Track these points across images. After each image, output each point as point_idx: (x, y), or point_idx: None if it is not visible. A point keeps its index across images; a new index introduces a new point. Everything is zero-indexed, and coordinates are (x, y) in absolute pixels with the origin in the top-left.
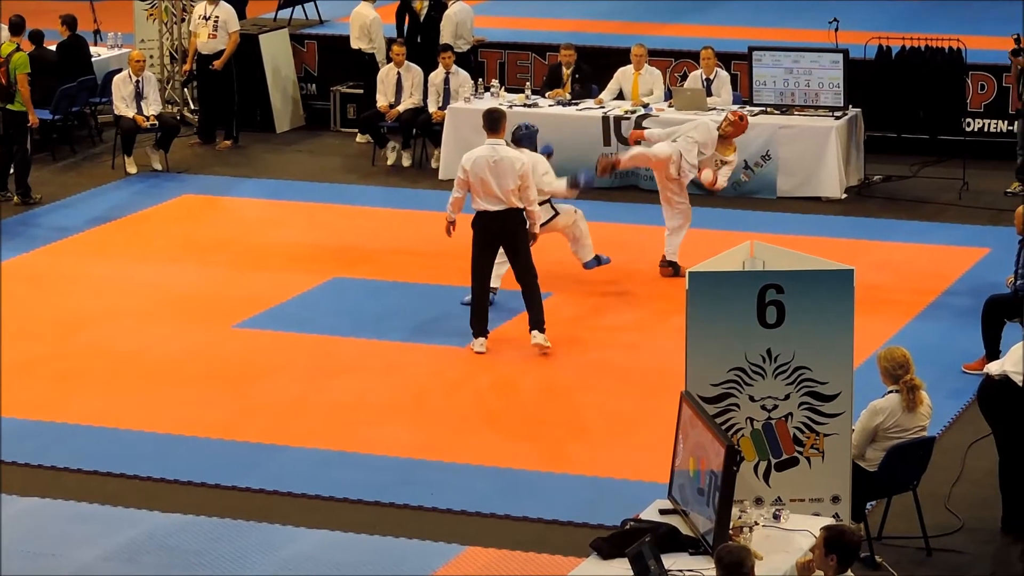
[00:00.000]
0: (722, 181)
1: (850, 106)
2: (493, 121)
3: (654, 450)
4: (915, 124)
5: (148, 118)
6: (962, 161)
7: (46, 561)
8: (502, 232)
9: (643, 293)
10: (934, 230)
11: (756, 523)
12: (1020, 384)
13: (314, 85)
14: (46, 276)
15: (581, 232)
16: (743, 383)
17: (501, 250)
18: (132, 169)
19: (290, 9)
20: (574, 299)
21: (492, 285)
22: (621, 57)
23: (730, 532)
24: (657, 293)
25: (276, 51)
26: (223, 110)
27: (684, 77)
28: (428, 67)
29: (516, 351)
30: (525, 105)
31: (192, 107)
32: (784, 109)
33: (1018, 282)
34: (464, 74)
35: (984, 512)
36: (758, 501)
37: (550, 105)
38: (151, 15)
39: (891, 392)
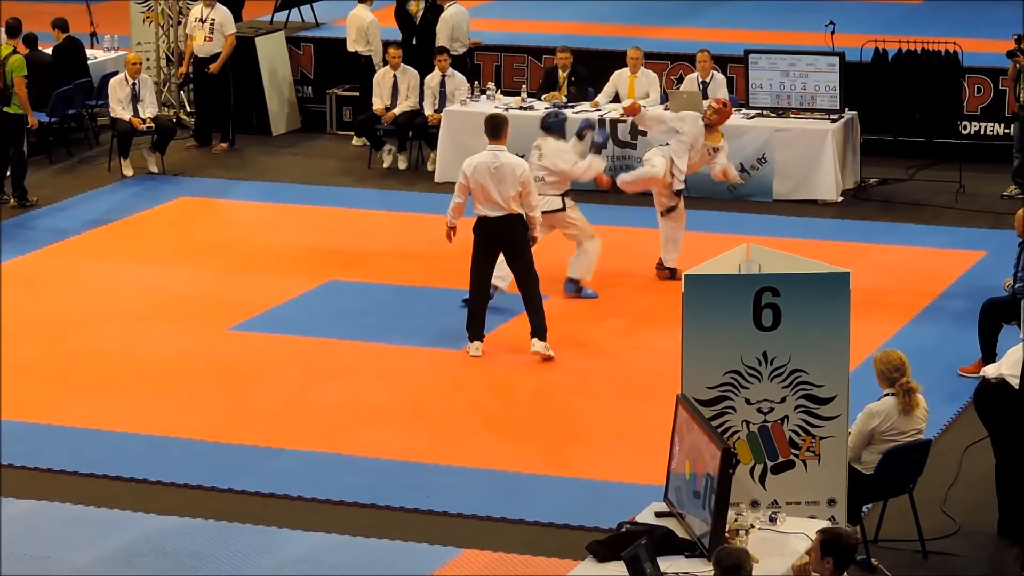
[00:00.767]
0: (733, 173)
1: (846, 109)
2: (495, 127)
3: (650, 453)
4: (911, 127)
5: (144, 121)
6: (958, 164)
7: (42, 564)
8: (501, 238)
9: (639, 296)
10: (930, 233)
11: (752, 526)
12: (1017, 388)
13: (310, 88)
14: (43, 278)
15: (588, 250)
16: (739, 386)
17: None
18: (128, 172)
19: (286, 12)
20: (570, 302)
21: (493, 283)
22: (617, 60)
23: (726, 535)
24: (653, 296)
25: (272, 54)
26: (219, 113)
27: (680, 80)
28: (424, 70)
29: (513, 354)
30: (521, 108)
31: (188, 110)
32: (780, 112)
33: (1016, 285)
34: (460, 77)
35: (980, 515)
36: (754, 504)
37: (546, 108)
38: (147, 18)
39: (887, 395)
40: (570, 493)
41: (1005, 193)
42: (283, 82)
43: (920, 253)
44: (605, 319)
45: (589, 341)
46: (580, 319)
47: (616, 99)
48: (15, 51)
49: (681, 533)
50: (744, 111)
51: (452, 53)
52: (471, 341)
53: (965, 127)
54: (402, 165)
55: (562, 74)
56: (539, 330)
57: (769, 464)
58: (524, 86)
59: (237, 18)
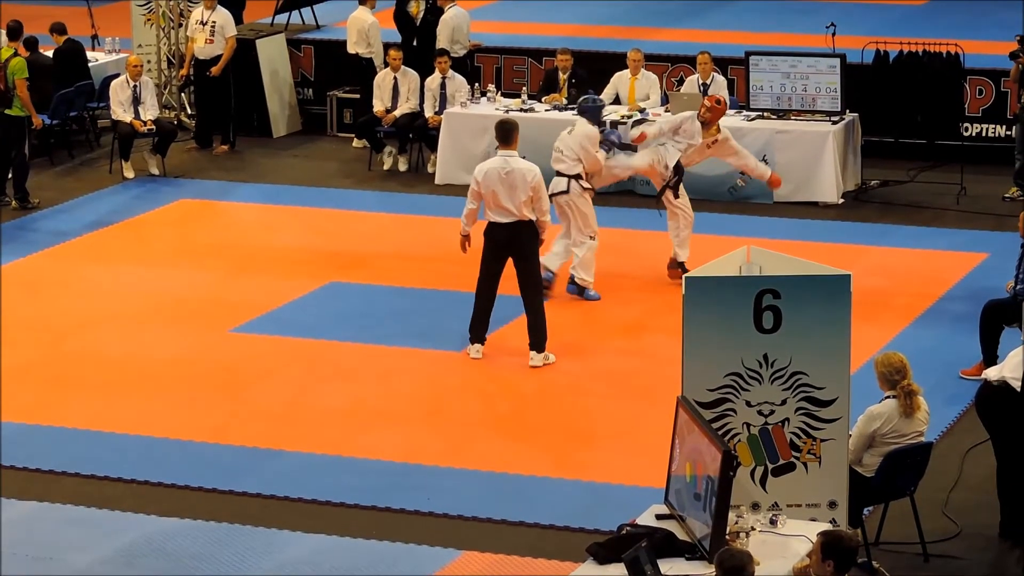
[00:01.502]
0: (758, 165)
1: (847, 111)
2: (506, 132)
3: (650, 455)
4: (913, 129)
5: (145, 123)
6: (960, 166)
7: (43, 565)
8: (511, 244)
9: (639, 298)
10: (931, 235)
11: (753, 528)
12: (1019, 390)
13: (311, 90)
14: (44, 280)
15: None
16: (740, 388)
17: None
18: (129, 174)
19: (287, 14)
20: (570, 304)
21: (544, 264)
22: (618, 62)
23: (727, 537)
24: (653, 298)
25: (273, 56)
26: (220, 115)
27: (681, 82)
28: (424, 72)
29: (512, 356)
30: (521, 110)
31: (189, 112)
32: (781, 114)
33: (1018, 287)
34: (460, 79)
35: (982, 518)
36: (755, 506)
37: (546, 110)
38: (148, 20)
39: (888, 397)
40: (570, 495)
41: (1007, 195)
42: (284, 84)
43: (921, 255)
44: (605, 321)
45: (589, 343)
46: (580, 321)
47: (617, 101)
48: (16, 54)
49: (682, 535)
50: (745, 113)
51: (452, 55)
52: (472, 343)
53: (966, 129)
54: (402, 167)
55: (562, 76)
56: (538, 343)
57: (770, 466)
58: (524, 88)
59: (238, 20)
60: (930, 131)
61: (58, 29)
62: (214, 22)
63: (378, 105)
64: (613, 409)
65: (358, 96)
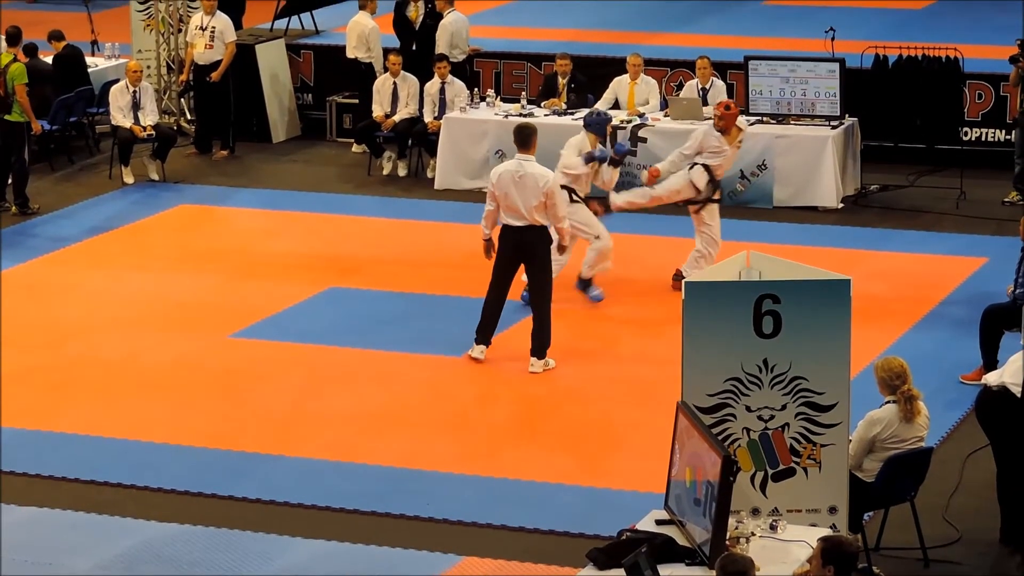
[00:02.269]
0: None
1: (847, 115)
2: (524, 137)
3: (650, 460)
4: (912, 133)
5: (145, 128)
6: (959, 170)
7: (42, 570)
8: (522, 248)
9: (639, 303)
10: (931, 240)
11: (753, 534)
12: (1019, 396)
13: (310, 95)
14: (44, 286)
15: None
16: (740, 393)
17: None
18: (129, 179)
19: (286, 19)
20: (570, 309)
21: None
22: (617, 67)
23: (727, 543)
24: (653, 303)
25: (272, 61)
26: (220, 120)
27: (680, 87)
28: (424, 77)
29: (513, 361)
30: (520, 115)
31: (189, 117)
32: (780, 119)
33: (1018, 291)
34: (460, 84)
35: (982, 523)
36: (755, 512)
37: (545, 115)
38: (148, 26)
39: (888, 402)
40: (570, 500)
41: (1006, 199)
42: (283, 89)
43: (921, 260)
44: (605, 326)
45: (589, 348)
46: (580, 326)
47: (616, 106)
48: (15, 59)
49: (681, 541)
50: (744, 118)
51: (452, 60)
52: (476, 344)
53: (966, 133)
54: (402, 172)
55: (562, 81)
56: (539, 349)
57: (770, 472)
58: (524, 93)
59: (237, 26)
60: (929, 135)
61: (56, 36)
62: (214, 27)
63: (377, 110)
64: (613, 414)
65: (357, 101)
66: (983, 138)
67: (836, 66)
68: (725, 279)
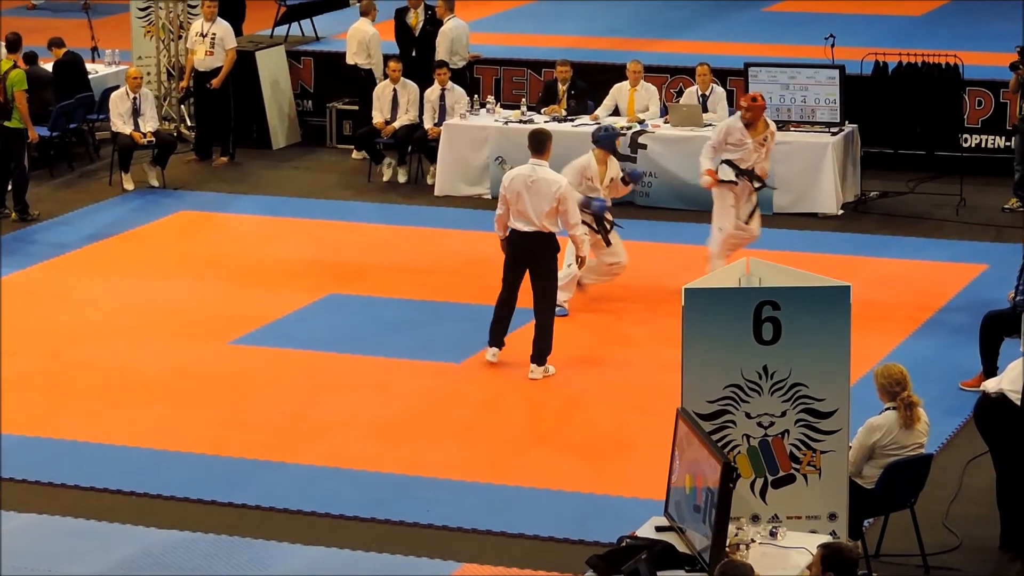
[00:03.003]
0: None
1: (846, 122)
2: (539, 142)
3: (650, 467)
4: (912, 140)
5: (145, 135)
6: (959, 177)
7: None
8: (528, 254)
9: (639, 309)
10: (931, 246)
11: (753, 540)
12: (1018, 404)
13: (310, 101)
14: (43, 292)
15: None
16: (739, 400)
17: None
18: (129, 186)
19: (287, 26)
20: (570, 315)
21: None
22: (617, 73)
23: (727, 549)
24: (653, 309)
25: (273, 68)
26: (220, 127)
27: (680, 93)
28: (424, 83)
29: (513, 367)
30: (520, 121)
31: (189, 124)
32: (780, 125)
33: (1018, 298)
34: (460, 90)
35: (982, 530)
36: (755, 518)
37: (545, 121)
38: (148, 32)
39: (888, 409)
40: (570, 507)
41: (1006, 206)
42: (283, 96)
43: (921, 266)
44: (604, 332)
45: (589, 355)
46: (580, 332)
47: (616, 112)
48: (15, 65)
49: (681, 547)
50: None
51: (451, 67)
52: (489, 346)
53: (966, 140)
54: (402, 179)
55: (562, 87)
56: (539, 355)
57: (770, 478)
58: (524, 99)
59: (237, 32)
60: (929, 142)
61: (57, 43)
62: (214, 34)
63: (377, 117)
64: (613, 421)
65: (357, 108)
66: (983, 145)
67: (836, 73)
68: (725, 285)
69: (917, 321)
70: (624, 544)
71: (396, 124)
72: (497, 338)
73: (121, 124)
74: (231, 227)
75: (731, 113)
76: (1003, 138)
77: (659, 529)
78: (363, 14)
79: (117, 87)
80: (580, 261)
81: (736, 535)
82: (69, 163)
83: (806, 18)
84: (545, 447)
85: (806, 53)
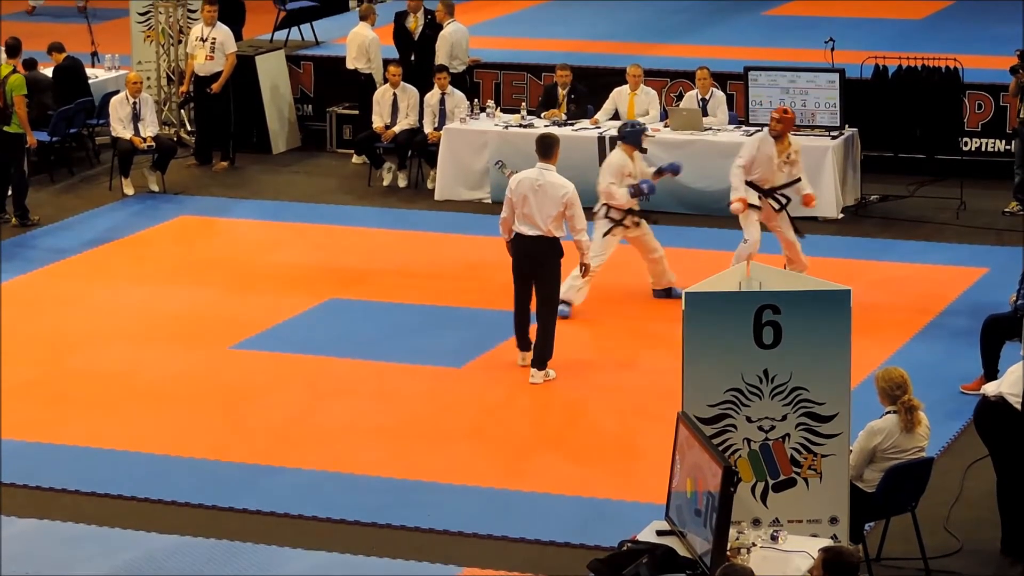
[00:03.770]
0: (812, 200)
1: (847, 126)
2: (546, 146)
3: (651, 471)
4: (912, 143)
5: (145, 139)
6: (959, 180)
7: None
8: (531, 258)
9: (640, 313)
10: (931, 250)
11: (754, 544)
12: (1018, 408)
13: (310, 106)
14: (44, 298)
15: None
16: (740, 404)
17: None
18: (129, 190)
19: (286, 30)
20: (571, 319)
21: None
22: (617, 77)
23: (727, 553)
24: (654, 313)
25: (273, 72)
26: (220, 131)
27: (680, 97)
28: (423, 87)
29: (512, 372)
30: (520, 125)
31: (189, 128)
32: None
33: (1019, 301)
34: (459, 95)
35: (983, 533)
36: (756, 522)
37: (546, 126)
38: (148, 37)
39: (889, 413)
40: (571, 511)
41: (1006, 210)
42: (283, 100)
43: (921, 270)
44: (606, 336)
45: (590, 358)
46: (581, 336)
47: (615, 116)
48: (15, 70)
49: (682, 551)
50: (744, 128)
51: (451, 71)
52: (520, 351)
53: (966, 143)
54: (402, 183)
55: (562, 92)
56: (540, 360)
57: (770, 482)
58: (524, 104)
59: (237, 37)
60: (929, 146)
61: (57, 48)
62: (214, 39)
63: (377, 121)
64: (613, 425)
65: (357, 112)
66: (983, 148)
67: (836, 76)
68: (725, 289)
69: (918, 325)
70: (625, 548)
71: (396, 128)
72: (524, 342)
73: (121, 129)
74: (231, 232)
75: (731, 117)
76: (1003, 142)
77: (660, 533)
78: (362, 18)
79: (117, 92)
80: (584, 269)
81: (737, 539)
82: (69, 168)
83: (806, 22)
84: (546, 451)
85: (806, 57)
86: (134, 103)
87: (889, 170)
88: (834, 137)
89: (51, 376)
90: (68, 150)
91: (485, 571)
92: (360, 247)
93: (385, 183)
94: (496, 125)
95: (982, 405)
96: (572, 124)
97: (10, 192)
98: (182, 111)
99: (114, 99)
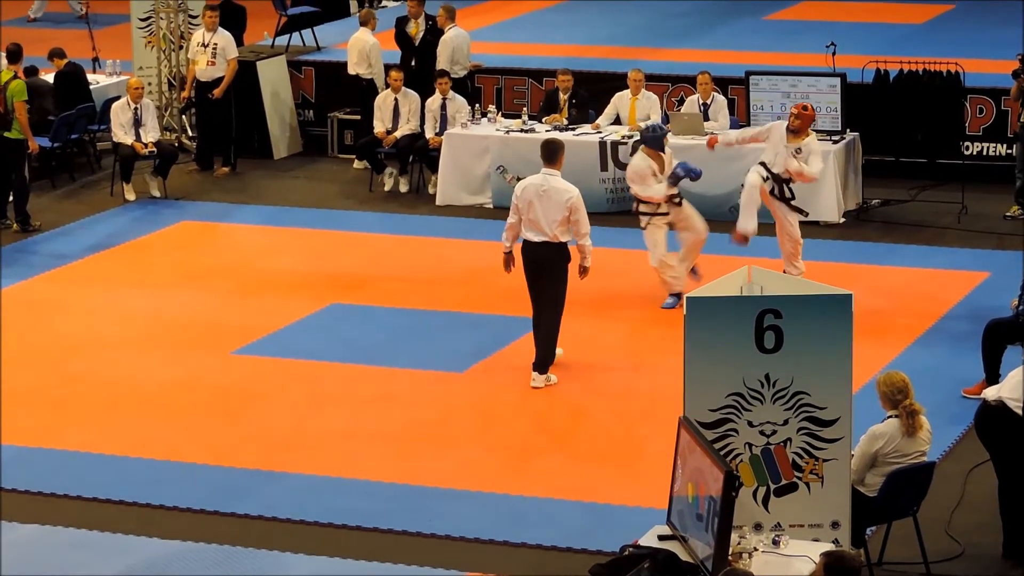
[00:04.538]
0: (810, 169)
1: (848, 130)
2: (551, 152)
3: (653, 476)
4: (913, 148)
5: (146, 145)
6: (961, 185)
7: None
8: (538, 264)
9: (641, 318)
10: (933, 254)
11: (755, 549)
12: (1019, 412)
13: (311, 111)
14: (45, 303)
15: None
16: (742, 408)
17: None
18: (131, 196)
19: (287, 36)
20: (573, 324)
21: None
22: (618, 82)
23: (729, 558)
24: (655, 318)
25: (274, 78)
26: (221, 137)
27: (681, 102)
28: (425, 93)
29: (514, 377)
30: (522, 130)
31: (190, 134)
32: None
33: (1021, 306)
34: (461, 100)
35: (985, 538)
36: (757, 527)
37: (547, 130)
38: (149, 43)
39: (890, 417)
40: (572, 516)
41: (1008, 214)
42: (284, 106)
43: (922, 274)
44: (607, 341)
45: (591, 363)
46: (583, 341)
47: (617, 121)
48: (16, 76)
49: (684, 556)
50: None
51: (453, 76)
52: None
53: (967, 148)
54: (403, 188)
55: (563, 96)
56: (542, 364)
57: (772, 487)
58: (525, 109)
59: (239, 42)
60: (931, 150)
61: (57, 54)
62: (216, 44)
63: (379, 126)
64: (614, 429)
65: (359, 117)
66: (984, 152)
67: (837, 81)
68: (727, 294)
69: (919, 329)
70: (627, 553)
71: (397, 134)
72: None
73: (122, 134)
74: (233, 237)
75: (732, 121)
76: (1004, 146)
77: (662, 538)
78: (362, 24)
79: (118, 98)
80: (583, 271)
81: (739, 544)
82: (70, 174)
83: (807, 26)
84: (547, 456)
85: (807, 61)
86: (135, 109)
87: (890, 174)
88: (835, 141)
89: (52, 382)
90: (69, 156)
91: None
92: (361, 252)
93: (386, 188)
94: (497, 130)
95: (982, 409)
96: (573, 129)
97: (11, 198)
98: (183, 116)
99: (115, 105)
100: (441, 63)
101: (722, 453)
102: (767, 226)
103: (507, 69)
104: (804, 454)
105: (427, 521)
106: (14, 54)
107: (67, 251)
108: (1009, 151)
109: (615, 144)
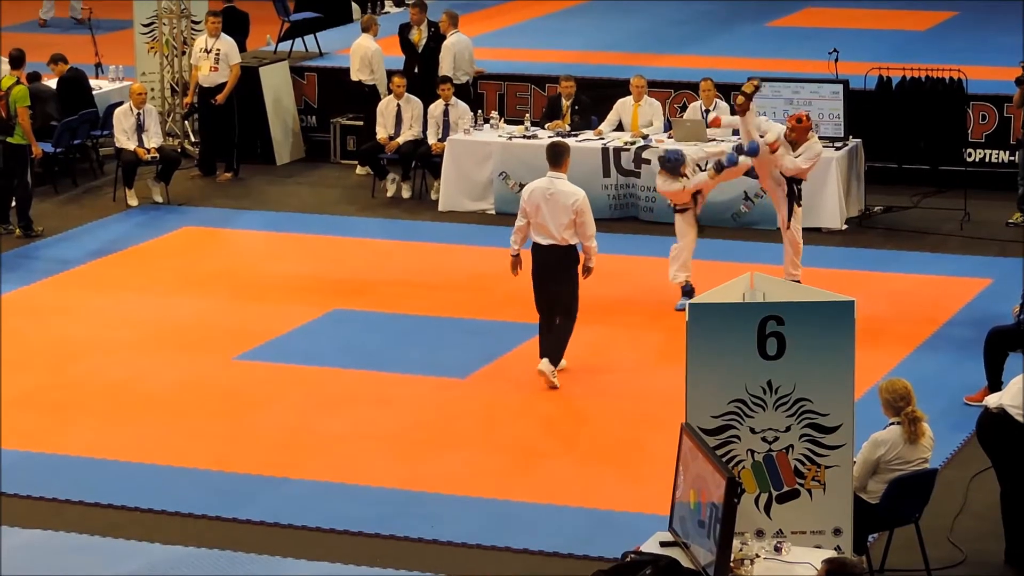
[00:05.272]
0: (800, 163)
1: (850, 136)
2: (556, 155)
3: (655, 482)
4: (916, 154)
5: (149, 150)
6: (963, 191)
7: None
8: (547, 267)
9: (643, 324)
10: (935, 261)
11: (757, 555)
12: (1020, 420)
13: (314, 117)
14: (47, 308)
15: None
16: (744, 415)
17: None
18: (133, 201)
19: (290, 42)
20: (575, 329)
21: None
22: (620, 88)
23: (731, 565)
24: (657, 324)
25: (276, 83)
26: (224, 142)
27: (684, 108)
28: (427, 99)
29: (515, 382)
30: (524, 136)
31: (193, 139)
32: None
33: (1022, 314)
34: (463, 106)
35: (987, 545)
36: (759, 533)
37: (549, 136)
38: (152, 48)
39: (893, 424)
40: (574, 522)
41: (1010, 221)
42: (287, 111)
43: (925, 281)
44: (609, 347)
45: (593, 369)
46: (584, 347)
47: (619, 127)
48: (19, 81)
49: (686, 563)
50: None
51: (455, 82)
52: (540, 358)
53: (970, 154)
54: (406, 194)
55: (565, 103)
56: (552, 352)
57: (774, 493)
58: (527, 115)
59: (241, 48)
60: (933, 157)
61: (58, 59)
62: (218, 50)
63: (381, 132)
64: (616, 435)
65: (361, 123)
66: (987, 159)
67: (840, 87)
68: (729, 301)
69: (921, 336)
70: (628, 559)
71: (400, 139)
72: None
73: (125, 140)
74: (235, 243)
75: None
76: (1007, 152)
77: (664, 544)
78: (364, 30)
79: (121, 103)
80: (586, 272)
81: (741, 550)
82: (73, 179)
83: (810, 33)
84: (549, 462)
85: (810, 68)
86: (138, 114)
87: (893, 181)
88: (838, 148)
89: (54, 386)
90: (72, 161)
91: None
92: (364, 258)
93: (389, 194)
94: (500, 136)
95: (984, 417)
96: (576, 135)
97: (14, 203)
98: (186, 122)
99: (118, 110)
100: (444, 69)
101: (724, 460)
102: (767, 233)
103: (510, 75)
104: (806, 461)
105: (429, 527)
106: (17, 59)
107: (70, 256)
108: (1012, 158)
109: (618, 150)
